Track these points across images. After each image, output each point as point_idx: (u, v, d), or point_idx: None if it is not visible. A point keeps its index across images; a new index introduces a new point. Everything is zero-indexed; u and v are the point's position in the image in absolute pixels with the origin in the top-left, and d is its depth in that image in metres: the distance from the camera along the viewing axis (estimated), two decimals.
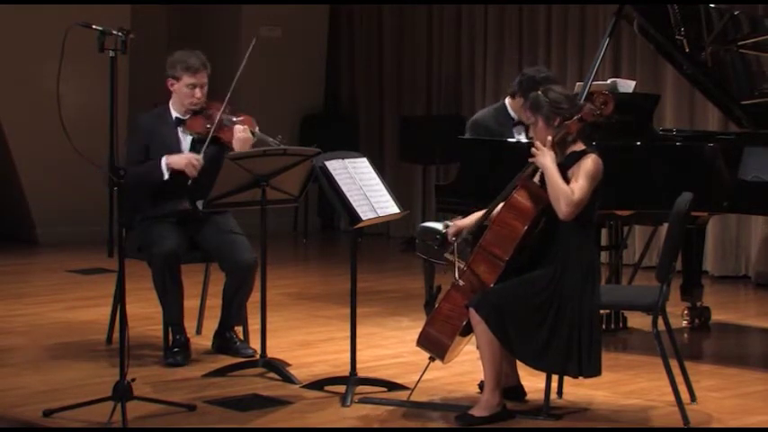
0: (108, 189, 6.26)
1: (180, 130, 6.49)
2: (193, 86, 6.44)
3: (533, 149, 5.36)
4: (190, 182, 6.30)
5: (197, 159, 6.30)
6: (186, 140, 6.50)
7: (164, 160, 6.32)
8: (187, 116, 6.48)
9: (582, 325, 5.26)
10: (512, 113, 6.88)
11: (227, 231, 6.45)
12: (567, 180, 5.28)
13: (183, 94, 6.45)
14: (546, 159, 5.31)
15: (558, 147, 5.38)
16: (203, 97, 6.46)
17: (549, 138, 5.34)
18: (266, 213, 6.09)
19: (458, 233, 5.55)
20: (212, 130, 6.35)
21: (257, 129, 6.39)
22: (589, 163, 5.29)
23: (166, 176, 6.32)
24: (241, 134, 6.30)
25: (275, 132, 6.39)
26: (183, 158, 6.33)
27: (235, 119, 6.40)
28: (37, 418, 5.31)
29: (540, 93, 5.47)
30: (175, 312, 6.35)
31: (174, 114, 6.52)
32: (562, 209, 5.24)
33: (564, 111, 5.37)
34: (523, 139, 6.76)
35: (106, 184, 6.04)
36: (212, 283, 6.83)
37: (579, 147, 5.38)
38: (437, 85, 11.33)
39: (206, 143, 6.35)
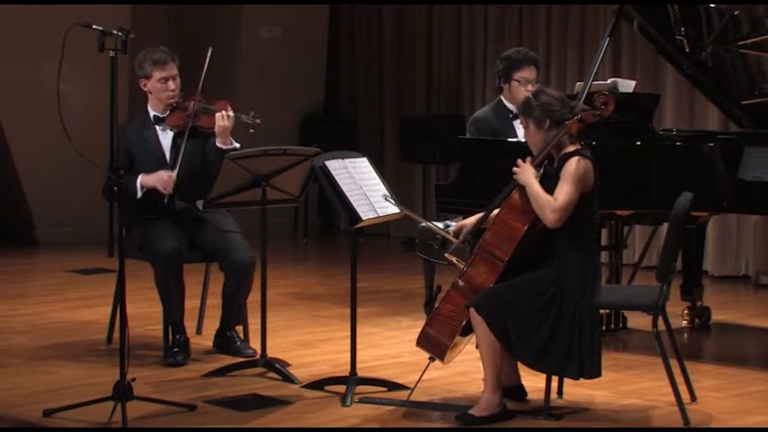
0: (104, 195, 6.30)
1: (159, 128, 6.52)
2: (165, 80, 6.48)
3: (516, 167, 5.36)
4: (165, 199, 6.31)
5: (169, 176, 6.32)
6: (167, 138, 6.53)
7: (139, 179, 6.35)
8: (166, 113, 6.50)
9: (582, 325, 5.26)
10: (509, 106, 6.87)
11: (224, 231, 6.46)
12: (558, 180, 5.29)
13: (158, 89, 6.49)
14: (527, 176, 5.31)
15: (555, 148, 5.38)
16: (177, 89, 6.50)
17: (534, 147, 5.35)
18: (266, 213, 6.09)
19: (459, 232, 5.56)
20: (190, 121, 6.37)
21: (231, 112, 6.40)
22: (572, 166, 5.28)
23: (139, 195, 6.34)
24: (222, 123, 6.31)
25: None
26: (154, 177, 6.35)
27: (210, 107, 6.42)
28: (37, 418, 5.32)
29: (531, 96, 5.47)
30: (176, 312, 6.36)
31: (153, 113, 6.54)
32: (548, 217, 5.24)
33: (555, 113, 5.36)
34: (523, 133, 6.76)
35: (101, 190, 6.07)
36: (212, 282, 6.83)
37: (572, 148, 5.37)
38: (437, 85, 11.33)
39: (186, 135, 6.37)
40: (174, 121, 6.48)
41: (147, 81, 6.51)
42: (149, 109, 6.57)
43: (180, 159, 6.35)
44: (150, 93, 6.53)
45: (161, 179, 6.33)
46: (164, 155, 6.50)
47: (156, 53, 6.51)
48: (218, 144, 6.33)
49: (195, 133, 6.43)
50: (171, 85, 6.48)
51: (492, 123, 6.87)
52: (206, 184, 6.02)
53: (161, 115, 6.53)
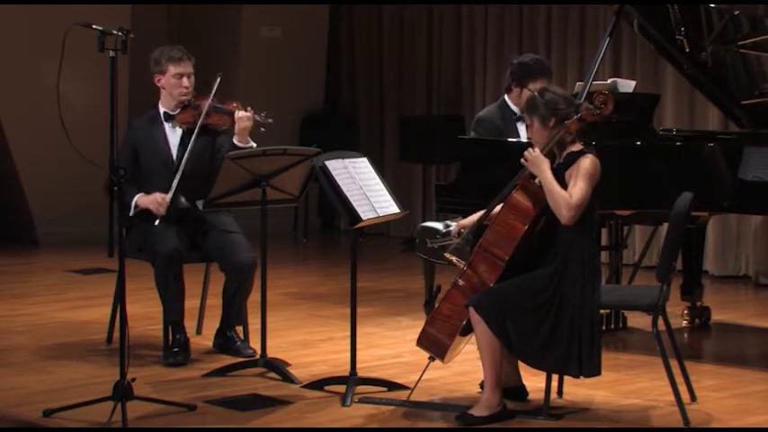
0: (107, 195, 6.29)
1: (169, 125, 6.53)
2: (180, 76, 6.49)
3: (525, 154, 5.35)
4: (157, 222, 6.32)
5: (162, 198, 6.33)
6: (175, 135, 6.54)
7: (134, 199, 6.38)
8: (176, 111, 6.51)
9: (582, 324, 5.26)
10: (513, 108, 6.87)
11: (225, 231, 6.46)
12: (565, 181, 5.28)
13: (172, 84, 6.49)
14: (541, 169, 5.29)
15: (557, 147, 5.38)
16: (191, 87, 6.50)
17: (538, 147, 5.34)
18: (266, 213, 6.09)
19: (461, 233, 5.56)
20: (201, 119, 6.38)
21: (250, 112, 6.40)
22: (586, 164, 5.29)
23: (132, 213, 6.36)
24: (243, 124, 6.33)
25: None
26: (150, 198, 6.36)
27: (222, 106, 6.43)
28: (37, 418, 5.31)
29: (536, 94, 5.48)
30: (176, 311, 6.36)
31: (163, 110, 6.55)
32: (563, 214, 5.24)
33: (560, 111, 5.36)
34: (525, 135, 6.75)
35: (104, 189, 6.05)
36: (212, 282, 6.83)
37: (577, 147, 5.38)
38: (437, 85, 11.33)
39: (195, 132, 6.38)
40: (185, 119, 6.49)
41: (161, 76, 6.52)
42: (160, 106, 6.58)
43: (185, 157, 6.35)
44: (163, 88, 6.53)
45: (155, 201, 6.34)
46: (170, 152, 6.51)
47: (174, 50, 6.55)
48: (237, 142, 6.34)
49: (204, 131, 6.44)
50: (185, 81, 6.50)
51: (497, 123, 6.87)
52: (211, 183, 6.04)
53: (171, 112, 6.54)
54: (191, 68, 6.53)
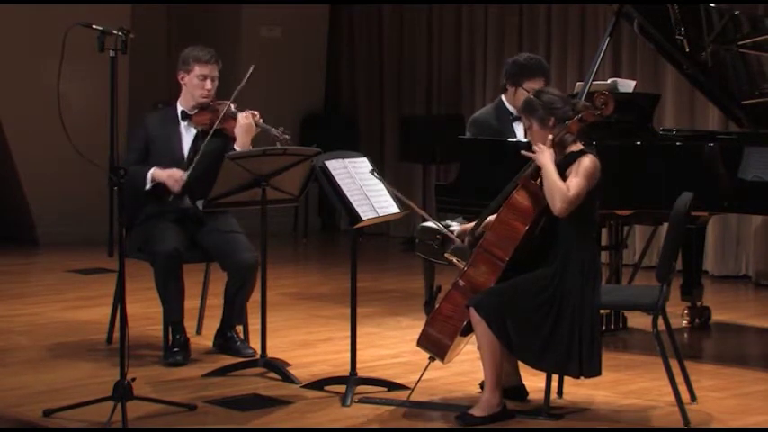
0: (109, 188, 6.28)
1: (185, 124, 6.53)
2: (204, 78, 6.49)
3: (534, 148, 5.37)
4: (171, 197, 6.32)
5: (181, 175, 6.33)
6: (189, 135, 6.54)
7: (150, 172, 6.37)
8: (194, 111, 6.51)
9: (582, 324, 5.26)
10: (510, 108, 6.86)
11: (227, 231, 6.46)
12: (564, 179, 5.29)
13: (194, 85, 6.50)
14: (544, 157, 5.32)
15: (558, 147, 5.38)
16: (213, 91, 6.51)
17: (550, 137, 5.35)
18: (266, 213, 6.09)
19: (464, 235, 5.57)
20: (217, 121, 6.38)
21: (261, 120, 6.41)
22: (586, 162, 5.30)
23: (148, 187, 6.37)
24: (244, 121, 6.34)
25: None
26: (167, 173, 6.37)
27: (240, 112, 6.44)
28: (37, 418, 5.31)
29: (532, 96, 5.48)
30: (176, 311, 6.36)
31: (181, 108, 6.55)
32: (557, 205, 5.24)
33: (558, 111, 5.38)
34: (523, 135, 6.75)
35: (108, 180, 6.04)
36: (213, 282, 6.84)
37: (577, 147, 5.39)
38: (437, 85, 11.33)
39: (210, 134, 6.38)
40: (201, 120, 6.49)
41: (185, 75, 6.53)
42: (178, 104, 6.59)
43: (197, 157, 6.35)
44: (185, 85, 6.54)
45: (172, 176, 6.35)
46: (182, 151, 6.51)
47: (203, 51, 6.55)
48: (237, 148, 6.32)
49: (218, 134, 6.43)
50: (208, 84, 6.50)
51: (492, 124, 6.86)
52: (211, 183, 6.03)
53: (189, 112, 6.54)
54: (216, 72, 6.53)
